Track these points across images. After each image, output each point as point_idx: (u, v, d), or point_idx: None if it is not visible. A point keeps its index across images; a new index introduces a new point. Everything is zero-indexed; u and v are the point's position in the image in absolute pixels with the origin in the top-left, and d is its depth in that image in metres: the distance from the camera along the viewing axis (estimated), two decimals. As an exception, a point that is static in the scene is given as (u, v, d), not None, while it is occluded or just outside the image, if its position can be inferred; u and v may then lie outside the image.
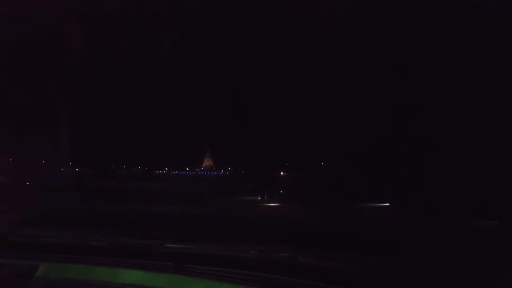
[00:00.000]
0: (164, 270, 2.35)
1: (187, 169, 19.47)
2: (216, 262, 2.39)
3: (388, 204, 7.69)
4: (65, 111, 8.40)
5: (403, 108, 7.42)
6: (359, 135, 8.49)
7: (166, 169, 18.47)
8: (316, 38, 6.83)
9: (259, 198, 10.50)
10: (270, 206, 10.22)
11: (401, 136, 7.55)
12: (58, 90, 8.55)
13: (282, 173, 13.10)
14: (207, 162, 20.15)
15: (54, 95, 8.50)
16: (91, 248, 2.69)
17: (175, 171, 18.70)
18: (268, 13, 7.44)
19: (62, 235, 3.03)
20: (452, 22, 5.62)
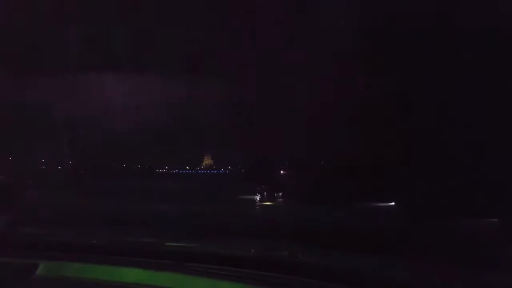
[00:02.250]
0: (165, 268, 2.36)
1: (187, 167, 19.44)
2: (216, 260, 2.39)
3: (392, 203, 7.65)
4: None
5: (404, 106, 7.41)
6: (361, 134, 8.48)
7: (166, 167, 18.46)
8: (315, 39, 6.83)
9: (258, 198, 10.50)
10: (270, 205, 10.22)
11: (402, 134, 7.53)
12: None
13: (282, 171, 13.09)
14: (207, 161, 20.12)
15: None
16: (92, 247, 2.69)
17: (175, 170, 18.68)
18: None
19: (62, 233, 3.04)
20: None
